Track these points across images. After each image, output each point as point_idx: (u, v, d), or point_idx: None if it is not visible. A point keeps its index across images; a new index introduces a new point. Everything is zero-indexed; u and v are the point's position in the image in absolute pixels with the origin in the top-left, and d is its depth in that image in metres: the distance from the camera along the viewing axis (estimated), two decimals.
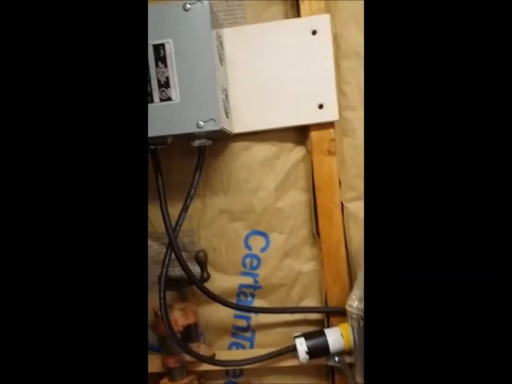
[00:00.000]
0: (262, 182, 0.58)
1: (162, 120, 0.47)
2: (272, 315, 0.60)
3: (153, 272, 0.61)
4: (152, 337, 0.62)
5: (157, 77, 0.46)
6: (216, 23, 0.50)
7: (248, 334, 0.61)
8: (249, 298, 0.61)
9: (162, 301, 0.53)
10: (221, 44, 0.51)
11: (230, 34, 0.53)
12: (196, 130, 0.46)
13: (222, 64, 0.51)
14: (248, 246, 0.59)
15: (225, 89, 0.52)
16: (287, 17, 0.55)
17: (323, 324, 0.59)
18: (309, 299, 0.61)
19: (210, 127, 0.46)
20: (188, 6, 0.45)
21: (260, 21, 0.55)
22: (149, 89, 0.46)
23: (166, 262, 0.53)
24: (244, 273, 0.60)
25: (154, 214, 0.58)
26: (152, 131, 0.47)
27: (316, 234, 0.57)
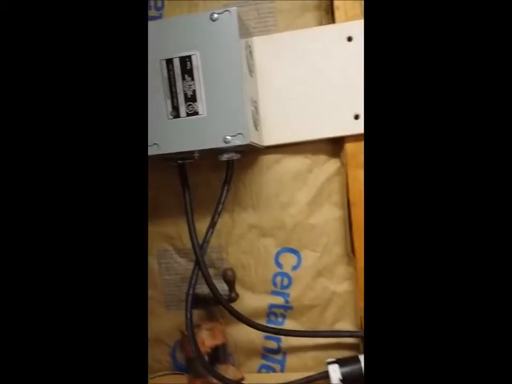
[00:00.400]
0: (294, 197, 0.55)
1: (189, 134, 0.45)
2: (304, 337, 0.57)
3: (182, 289, 0.59)
4: (179, 357, 0.60)
5: (184, 91, 0.44)
6: (245, 32, 0.47)
7: (279, 357, 0.58)
8: (280, 319, 0.58)
9: (189, 321, 0.51)
10: (250, 53, 0.49)
11: (260, 43, 0.51)
12: (223, 145, 0.44)
13: (251, 75, 0.48)
14: (278, 264, 0.56)
15: (255, 101, 0.49)
16: (321, 23, 0.52)
17: (358, 349, 0.55)
18: (344, 321, 0.57)
19: (238, 141, 0.44)
20: (215, 15, 0.43)
21: (292, 28, 0.53)
22: (175, 104, 0.44)
23: (193, 281, 0.51)
24: (274, 293, 0.57)
25: (183, 229, 0.57)
26: (178, 146, 0.45)
27: (351, 252, 0.54)
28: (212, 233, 0.52)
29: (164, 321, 0.61)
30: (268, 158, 0.55)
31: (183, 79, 0.44)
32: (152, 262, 0.60)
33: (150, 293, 0.60)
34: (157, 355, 0.61)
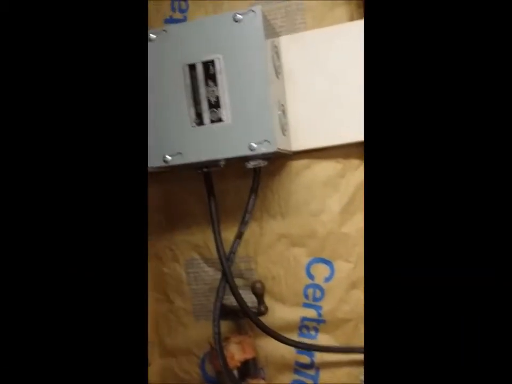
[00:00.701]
0: (325, 204, 0.52)
1: (213, 143, 0.43)
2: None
3: (210, 299, 0.57)
4: (209, 369, 0.58)
5: (207, 97, 0.42)
6: (271, 32, 0.45)
7: (312, 372, 0.55)
8: (313, 333, 0.55)
9: (216, 336, 0.49)
10: (277, 54, 0.46)
11: (288, 43, 0.48)
12: (249, 153, 0.42)
13: (278, 77, 0.46)
14: (310, 275, 0.54)
15: (282, 104, 0.46)
16: (352, 19, 0.49)
17: None
18: None
19: (264, 149, 0.42)
20: (239, 16, 0.40)
21: (322, 25, 0.49)
22: (198, 111, 0.43)
23: (220, 294, 0.50)
24: (306, 305, 0.54)
25: (210, 238, 0.55)
26: (202, 155, 0.43)
27: None
28: (238, 244, 0.50)
29: (192, 331, 0.59)
30: (297, 164, 0.52)
31: (206, 84, 0.42)
32: (180, 271, 0.59)
33: (178, 302, 0.59)
34: (186, 366, 0.60)
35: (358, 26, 0.47)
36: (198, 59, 0.42)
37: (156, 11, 0.55)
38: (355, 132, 0.48)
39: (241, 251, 0.53)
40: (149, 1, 0.55)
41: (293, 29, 0.50)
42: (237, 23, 0.41)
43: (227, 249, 0.51)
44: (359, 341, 0.53)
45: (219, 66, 0.41)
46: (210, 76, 0.42)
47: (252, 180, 0.51)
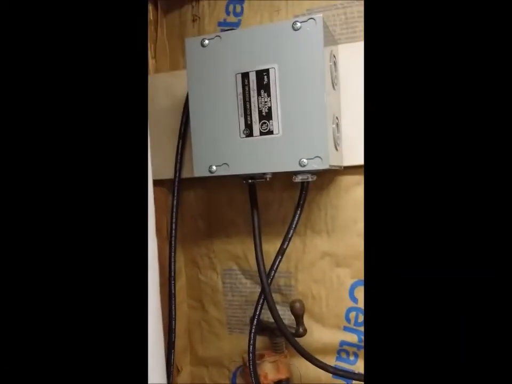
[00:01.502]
0: None
1: (262, 156, 0.41)
2: None
3: (246, 312, 0.56)
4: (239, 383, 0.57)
5: (259, 108, 0.40)
6: (330, 40, 0.42)
7: None
8: (352, 358, 0.52)
9: (251, 354, 0.47)
10: (335, 64, 0.43)
11: (346, 52, 0.45)
12: (299, 168, 0.40)
13: (334, 89, 0.43)
14: (353, 298, 0.51)
15: (337, 117, 0.44)
16: None
17: None
18: None
19: (316, 165, 0.39)
20: (298, 24, 0.38)
21: None
22: (249, 121, 0.41)
23: (258, 311, 0.48)
24: (347, 329, 0.51)
25: (250, 249, 0.53)
26: (249, 167, 0.42)
27: None
28: (280, 260, 0.48)
29: (225, 343, 0.58)
30: (347, 179, 0.49)
31: (259, 94, 0.40)
32: (216, 280, 0.57)
33: (213, 312, 0.58)
34: (216, 378, 0.59)
35: None
36: (252, 68, 0.40)
37: (210, 13, 0.53)
38: None
39: (281, 266, 0.50)
40: (203, 3, 0.54)
41: (352, 37, 0.47)
42: (295, 31, 0.38)
43: (267, 263, 0.49)
44: None
45: (274, 76, 0.39)
46: (264, 86, 0.40)
47: (297, 192, 0.48)
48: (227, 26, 0.52)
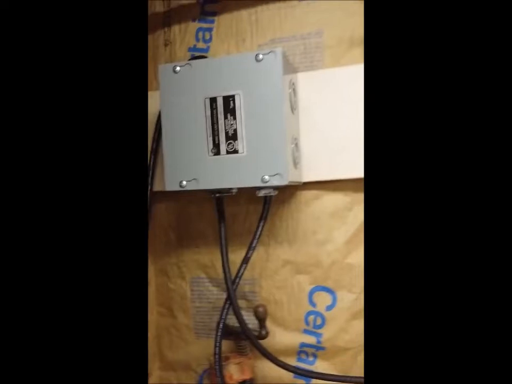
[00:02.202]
0: (331, 235, 0.54)
1: (228, 172, 0.45)
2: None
3: (212, 318, 0.59)
4: None
5: (225, 129, 0.44)
6: (290, 70, 0.47)
7: None
8: (311, 359, 0.56)
9: (217, 356, 0.50)
10: (294, 91, 0.48)
11: (305, 79, 0.50)
12: (261, 184, 0.44)
13: (293, 113, 0.48)
14: (312, 303, 0.55)
15: (296, 138, 0.48)
16: None
17: None
18: None
19: (276, 182, 0.44)
20: (261, 56, 0.43)
21: (339, 64, 0.52)
22: (216, 141, 0.45)
23: (224, 315, 0.51)
24: (306, 331, 0.56)
25: (217, 259, 0.57)
26: (217, 183, 0.46)
27: None
28: (245, 268, 0.52)
29: (193, 348, 0.61)
30: (307, 194, 0.54)
31: (226, 117, 0.44)
32: (185, 288, 0.60)
33: (181, 318, 0.61)
34: (184, 381, 0.62)
35: None
36: (219, 93, 0.44)
37: (181, 39, 0.57)
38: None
39: (246, 274, 0.54)
40: (175, 29, 0.58)
41: (310, 66, 0.52)
42: (258, 62, 0.43)
43: (233, 271, 0.52)
44: (357, 371, 0.54)
45: (239, 101, 0.44)
46: (230, 110, 0.44)
47: (261, 206, 0.53)
48: (197, 51, 0.56)
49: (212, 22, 0.56)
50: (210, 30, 0.56)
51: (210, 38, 0.56)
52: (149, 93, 0.57)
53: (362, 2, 0.51)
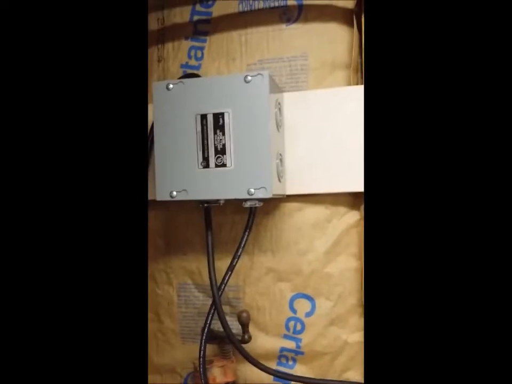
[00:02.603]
0: (312, 245, 0.57)
1: (216, 184, 0.48)
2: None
3: (198, 323, 0.62)
4: None
5: (214, 144, 0.47)
6: (276, 90, 0.50)
7: None
8: (290, 363, 0.59)
9: (201, 359, 0.53)
10: (280, 110, 0.51)
11: (290, 99, 0.54)
12: (247, 197, 0.47)
13: (279, 130, 0.51)
14: (292, 309, 0.58)
15: (280, 154, 0.52)
16: (349, 83, 0.55)
17: None
18: (354, 371, 0.57)
19: (261, 195, 0.47)
20: (249, 78, 0.46)
21: (323, 85, 0.55)
22: (206, 155, 0.48)
23: (209, 321, 0.54)
24: (286, 336, 0.58)
25: (204, 266, 0.60)
26: (205, 194, 0.48)
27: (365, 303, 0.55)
28: (230, 275, 0.54)
29: (178, 352, 0.63)
30: (290, 206, 0.57)
31: (215, 133, 0.47)
32: (172, 294, 0.63)
33: (168, 323, 0.63)
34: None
35: (354, 91, 0.52)
36: (210, 110, 0.47)
37: (174, 56, 0.60)
38: (343, 183, 0.54)
39: (231, 281, 0.57)
40: (168, 46, 0.61)
41: (296, 86, 0.56)
42: (247, 83, 0.46)
43: (219, 278, 0.55)
44: (334, 375, 0.57)
45: (228, 119, 0.47)
46: (219, 126, 0.47)
47: (246, 216, 0.56)
48: (189, 68, 0.59)
49: (204, 41, 0.59)
50: (202, 48, 0.59)
51: (202, 56, 0.59)
52: None
53: (345, 29, 0.55)
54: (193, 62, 0.59)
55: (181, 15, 0.60)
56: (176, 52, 0.60)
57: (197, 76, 0.57)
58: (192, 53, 0.59)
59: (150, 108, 0.51)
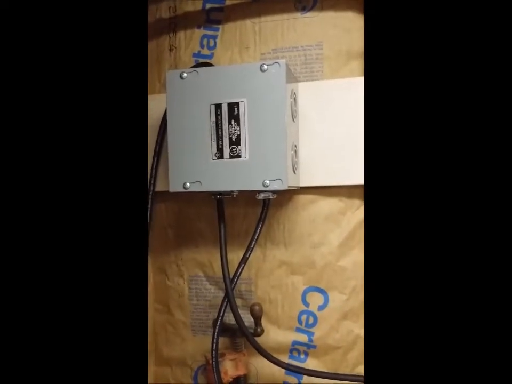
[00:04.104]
0: (326, 238, 0.56)
1: (230, 175, 0.47)
2: None
3: (209, 316, 0.61)
4: (201, 381, 0.62)
5: (229, 135, 0.46)
6: (291, 79, 0.49)
7: None
8: (302, 356, 0.58)
9: (214, 352, 0.52)
10: (295, 100, 0.50)
11: (305, 89, 0.53)
12: (262, 188, 0.46)
13: (294, 121, 0.50)
14: (305, 302, 0.57)
15: (295, 145, 0.51)
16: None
17: None
18: None
19: (276, 186, 0.46)
20: (265, 67, 0.45)
21: (338, 75, 0.54)
22: (220, 146, 0.47)
23: (222, 313, 0.53)
24: (298, 330, 0.58)
25: (215, 258, 0.59)
26: (219, 185, 0.48)
27: None
28: (243, 268, 0.54)
29: (189, 344, 0.63)
30: (303, 198, 0.56)
31: (230, 123, 0.46)
32: (183, 286, 0.62)
33: (178, 315, 0.63)
34: (180, 376, 0.63)
35: None
36: (224, 100, 0.46)
37: (186, 45, 0.59)
38: (358, 175, 0.53)
39: (243, 273, 0.57)
40: (180, 35, 0.60)
41: (310, 76, 0.55)
42: (263, 72, 0.45)
43: (231, 270, 0.54)
44: (346, 369, 0.57)
45: (243, 109, 0.46)
46: (234, 116, 0.46)
47: (259, 208, 0.55)
48: (201, 58, 0.58)
49: (217, 29, 0.58)
50: (214, 37, 0.58)
51: (215, 45, 0.58)
52: (153, 96, 0.59)
53: (361, 17, 0.54)
54: (205, 51, 0.58)
55: (193, 3, 0.59)
56: (188, 41, 0.59)
57: (210, 65, 0.56)
58: (205, 42, 0.58)
59: (163, 97, 0.50)
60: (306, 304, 0.57)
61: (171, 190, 0.49)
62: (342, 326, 0.57)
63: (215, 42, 0.58)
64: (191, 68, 0.52)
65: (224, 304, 0.54)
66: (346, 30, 0.54)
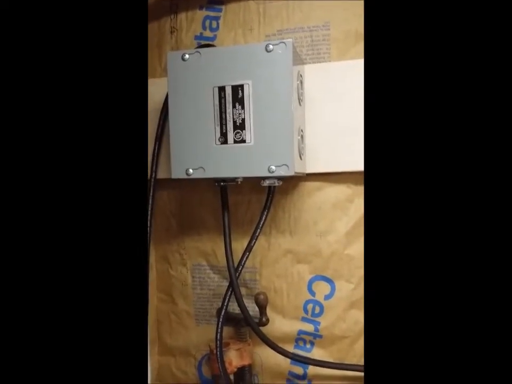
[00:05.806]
0: (332, 226, 0.55)
1: (234, 161, 0.45)
2: None
3: (213, 305, 0.60)
4: (205, 371, 0.61)
5: (233, 119, 0.45)
6: (298, 61, 0.47)
7: (303, 383, 0.58)
8: (308, 346, 0.57)
9: (218, 341, 0.51)
10: (301, 83, 0.48)
11: (312, 72, 0.51)
12: (268, 174, 0.44)
13: (300, 104, 0.48)
14: (311, 291, 0.56)
15: (302, 130, 0.49)
16: None
17: None
18: None
19: (283, 172, 0.44)
20: (271, 46, 0.43)
21: (345, 57, 0.52)
22: (224, 130, 0.45)
23: (226, 302, 0.52)
24: (304, 319, 0.57)
25: (219, 247, 0.58)
26: (223, 172, 0.46)
27: None
28: (247, 257, 0.53)
29: (193, 334, 0.62)
30: (310, 185, 0.55)
31: (234, 107, 0.44)
32: (186, 275, 0.61)
33: (182, 305, 0.62)
34: (183, 366, 0.63)
35: None
36: (228, 82, 0.44)
37: (187, 27, 0.57)
38: None
39: (247, 262, 0.55)
40: (181, 16, 0.57)
41: (317, 58, 0.53)
42: (268, 52, 0.43)
43: (235, 259, 0.53)
44: (353, 359, 0.56)
45: (248, 91, 0.44)
46: (238, 99, 0.44)
47: (264, 195, 0.53)
48: (203, 40, 0.56)
49: (220, 10, 0.56)
50: (217, 18, 0.56)
51: (218, 27, 0.56)
52: (153, 80, 0.57)
53: None
54: (208, 33, 0.56)
55: None
56: (190, 23, 0.57)
57: (212, 47, 0.54)
58: (207, 24, 0.56)
59: (164, 81, 0.48)
60: (313, 293, 0.56)
61: (173, 177, 0.47)
62: (349, 316, 0.55)
63: (217, 24, 0.56)
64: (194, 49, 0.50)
65: (229, 293, 0.52)
66: (355, 11, 0.52)
